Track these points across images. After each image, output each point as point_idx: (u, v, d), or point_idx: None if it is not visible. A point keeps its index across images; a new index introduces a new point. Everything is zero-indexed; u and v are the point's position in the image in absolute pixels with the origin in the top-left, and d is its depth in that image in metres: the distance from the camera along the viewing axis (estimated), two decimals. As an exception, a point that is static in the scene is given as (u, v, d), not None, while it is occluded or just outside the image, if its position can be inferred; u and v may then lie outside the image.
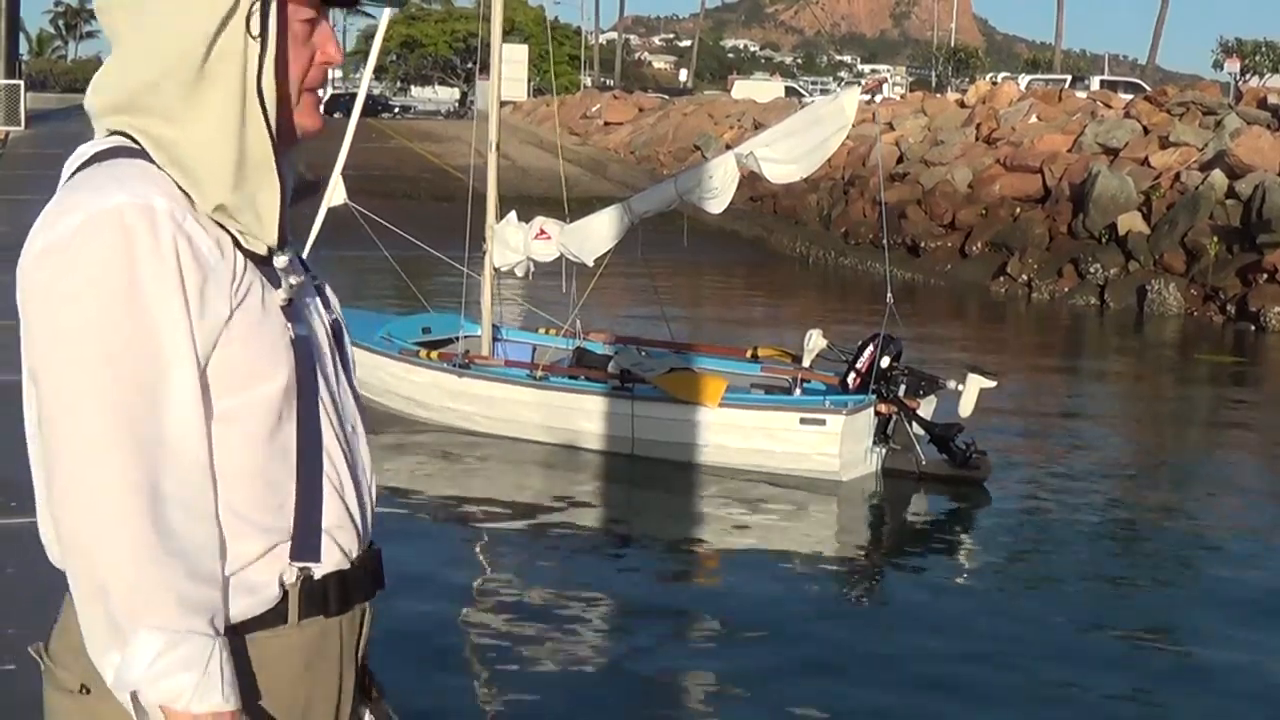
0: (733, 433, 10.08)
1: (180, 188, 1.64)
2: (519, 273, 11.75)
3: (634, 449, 10.30)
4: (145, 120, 1.66)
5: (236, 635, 1.66)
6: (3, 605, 3.91)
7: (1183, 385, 15.94)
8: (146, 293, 1.55)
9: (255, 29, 1.64)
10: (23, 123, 35.64)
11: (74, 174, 1.69)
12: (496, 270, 11.60)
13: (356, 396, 1.88)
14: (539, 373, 10.81)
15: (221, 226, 1.66)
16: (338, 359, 1.84)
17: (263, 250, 1.69)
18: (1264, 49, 55.07)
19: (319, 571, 1.73)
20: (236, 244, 1.66)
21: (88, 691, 1.67)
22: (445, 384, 10.93)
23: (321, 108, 1.80)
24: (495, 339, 11.80)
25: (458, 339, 11.91)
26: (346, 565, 1.76)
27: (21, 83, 38.31)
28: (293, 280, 1.73)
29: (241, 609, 1.67)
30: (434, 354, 11.20)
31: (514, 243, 11.46)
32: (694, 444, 10.15)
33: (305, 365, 1.71)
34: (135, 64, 1.67)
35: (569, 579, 8.07)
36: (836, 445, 9.83)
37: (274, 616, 1.70)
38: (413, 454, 10.66)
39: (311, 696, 1.76)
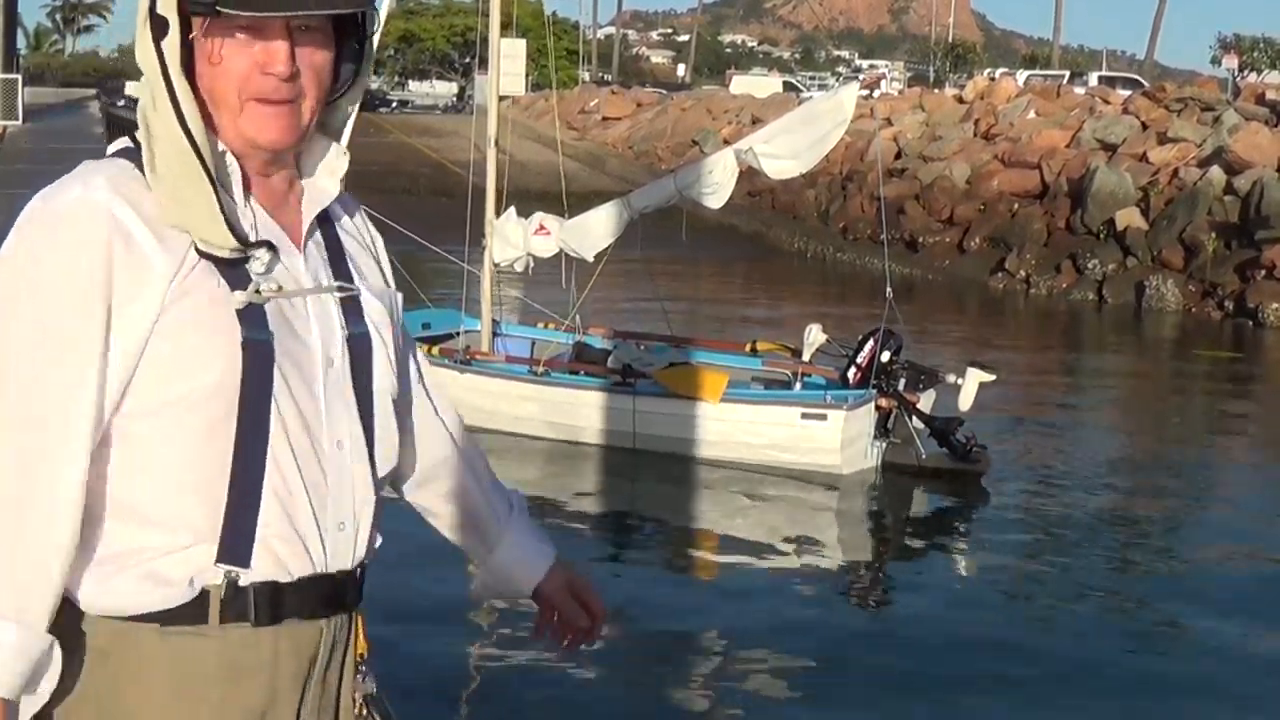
0: (734, 427, 10.10)
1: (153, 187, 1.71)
2: (519, 268, 11.75)
3: (635, 444, 10.31)
4: (140, 117, 1.75)
5: (150, 624, 1.70)
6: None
7: (1181, 380, 15.98)
8: (56, 285, 1.63)
9: (151, 35, 1.70)
10: (20, 117, 35.60)
11: None
12: (496, 266, 11.60)
13: (367, 415, 1.82)
14: (540, 368, 10.81)
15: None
16: (337, 372, 1.79)
17: (223, 252, 1.69)
18: (1262, 45, 55.04)
19: (246, 578, 1.70)
20: (195, 246, 1.70)
21: None
22: (447, 380, 10.90)
23: (302, 119, 1.77)
24: (495, 334, 11.80)
25: (457, 334, 11.91)
26: (286, 578, 1.72)
27: (19, 77, 38.26)
28: (263, 287, 1.72)
29: (152, 600, 1.69)
30: (435, 349, 11.19)
31: (514, 238, 11.47)
32: (695, 439, 10.16)
33: (256, 369, 1.69)
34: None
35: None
36: (838, 440, 9.85)
37: (191, 614, 1.70)
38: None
39: (230, 703, 1.73)
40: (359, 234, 1.97)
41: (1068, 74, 42.56)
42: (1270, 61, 53.01)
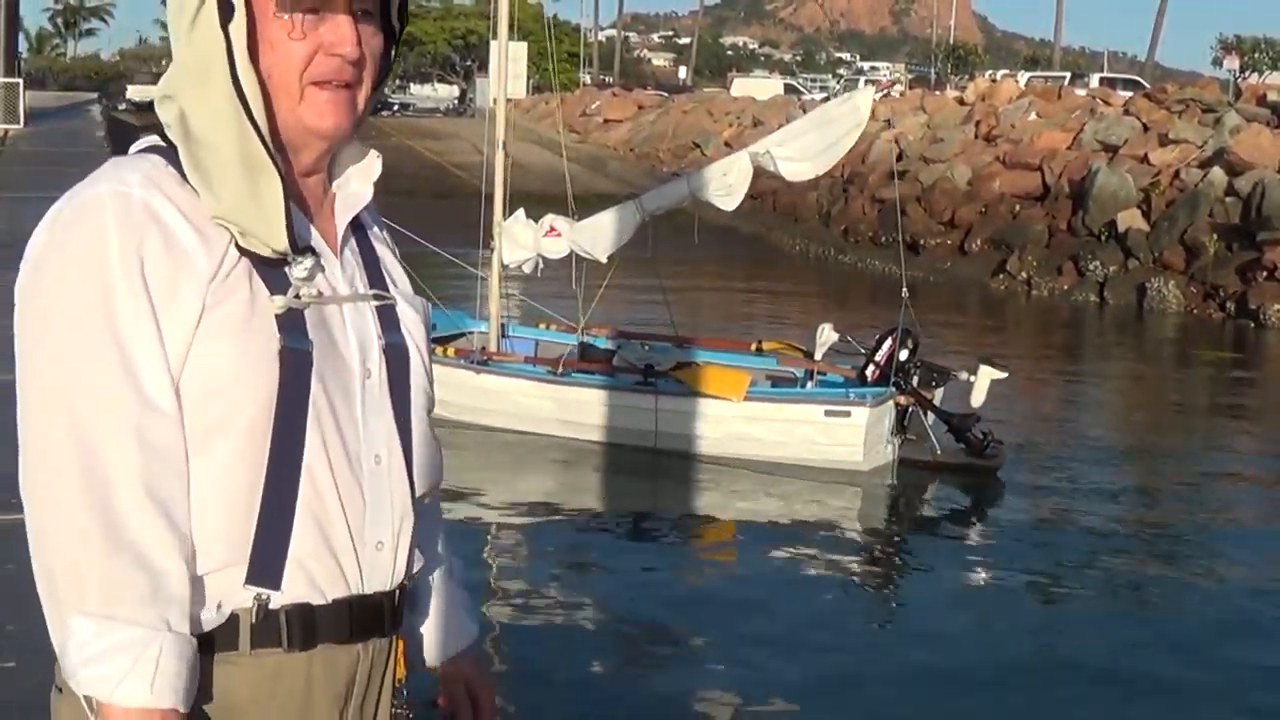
0: (756, 425, 10.17)
1: (192, 185, 1.61)
2: (528, 269, 11.77)
3: (657, 443, 10.33)
4: (174, 116, 1.64)
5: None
6: (3, 602, 3.90)
7: (1184, 380, 16.05)
8: (112, 282, 1.53)
9: (219, 19, 1.59)
10: (22, 121, 35.61)
11: None
12: (505, 267, 11.63)
13: (405, 429, 1.74)
14: (559, 369, 10.80)
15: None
16: (374, 384, 1.71)
17: (266, 252, 1.60)
18: (1263, 46, 55.10)
19: (277, 601, 1.60)
20: (236, 242, 1.60)
21: (60, 691, 1.62)
22: (463, 380, 10.86)
23: (358, 107, 1.68)
24: (502, 335, 11.82)
25: (463, 335, 11.93)
26: (320, 600, 1.63)
27: (21, 81, 38.27)
28: (304, 292, 1.63)
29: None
30: (450, 350, 11.19)
31: (523, 240, 11.49)
32: (717, 437, 10.20)
33: (293, 380, 1.59)
34: (174, 61, 1.66)
35: (592, 573, 8.18)
36: (861, 436, 9.95)
37: (222, 640, 1.60)
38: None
39: None
40: (387, 240, 1.89)
41: (1069, 75, 42.61)
42: (1271, 62, 53.06)
